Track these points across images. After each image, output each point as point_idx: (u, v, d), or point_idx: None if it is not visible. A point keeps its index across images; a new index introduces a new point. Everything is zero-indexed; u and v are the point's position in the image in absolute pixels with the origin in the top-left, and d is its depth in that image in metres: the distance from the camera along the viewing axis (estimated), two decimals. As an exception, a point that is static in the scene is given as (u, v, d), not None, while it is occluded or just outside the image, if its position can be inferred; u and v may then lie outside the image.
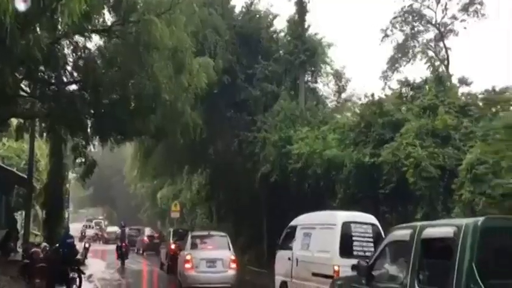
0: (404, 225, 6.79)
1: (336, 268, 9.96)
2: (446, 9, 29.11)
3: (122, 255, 24.59)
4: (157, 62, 13.72)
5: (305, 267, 11.23)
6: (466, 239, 5.06)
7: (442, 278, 5.24)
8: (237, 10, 25.67)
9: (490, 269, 5.08)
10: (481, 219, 5.22)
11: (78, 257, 14.86)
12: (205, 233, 18.08)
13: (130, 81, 14.46)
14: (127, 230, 39.99)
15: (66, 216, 34.93)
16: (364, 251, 10.09)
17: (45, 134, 19.27)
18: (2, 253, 19.26)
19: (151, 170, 29.33)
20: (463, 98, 16.77)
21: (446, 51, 29.48)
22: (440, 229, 5.78)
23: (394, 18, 30.55)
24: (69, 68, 14.55)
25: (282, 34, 26.18)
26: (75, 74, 14.75)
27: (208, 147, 26.17)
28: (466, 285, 4.92)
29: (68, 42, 14.24)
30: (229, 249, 14.95)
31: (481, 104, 15.70)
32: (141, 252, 34.10)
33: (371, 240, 10.36)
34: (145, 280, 21.90)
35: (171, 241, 21.17)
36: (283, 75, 24.42)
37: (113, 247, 36.18)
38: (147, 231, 36.46)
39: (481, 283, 4.83)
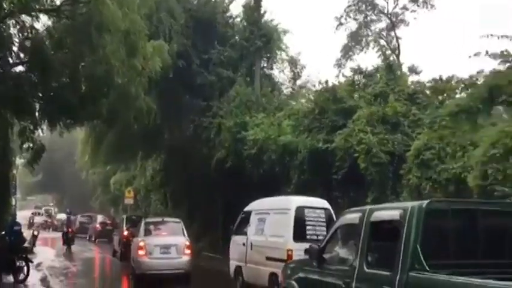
0: (354, 209, 6.97)
1: (290, 252, 10.14)
2: (397, -1, 29.81)
3: (67, 240, 25.82)
4: (109, 44, 13.37)
5: (259, 251, 11.38)
6: (412, 221, 5.26)
7: (389, 259, 5.43)
8: (193, -7, 25.29)
9: (434, 250, 5.30)
10: (425, 202, 5.44)
11: (26, 245, 14.42)
12: (159, 219, 17.88)
13: (81, 64, 14.05)
14: (78, 217, 39.43)
15: (13, 203, 33.70)
16: (317, 235, 10.30)
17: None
18: None
19: (103, 156, 28.64)
20: (412, 86, 17.34)
21: (397, 41, 30.25)
22: (387, 212, 5.97)
23: (348, 6, 31.01)
24: (15, 48, 13.94)
25: (238, 19, 26.05)
26: (21, 55, 14.14)
27: (163, 133, 25.86)
28: (411, 265, 5.12)
29: (14, 22, 13.62)
30: (184, 236, 14.89)
31: (428, 92, 16.29)
32: (93, 239, 33.47)
33: (324, 224, 10.59)
34: (97, 267, 21.54)
35: (124, 228, 20.89)
36: (239, 61, 24.35)
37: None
38: (100, 218, 35.72)
39: (424, 263, 5.04)
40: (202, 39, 24.01)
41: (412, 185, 12.04)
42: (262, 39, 23.74)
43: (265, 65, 26.04)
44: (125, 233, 20.27)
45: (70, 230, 26.93)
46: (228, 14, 26.00)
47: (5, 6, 11.68)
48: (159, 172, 32.06)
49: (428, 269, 5.00)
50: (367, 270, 5.80)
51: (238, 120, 21.17)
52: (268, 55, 25.57)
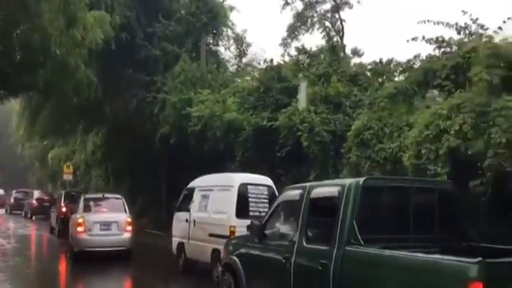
0: (295, 185, 7.13)
1: (232, 229, 10.25)
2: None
3: None
4: (46, 13, 12.70)
5: (202, 228, 11.42)
6: (349, 197, 5.47)
7: (327, 234, 5.64)
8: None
9: (369, 225, 5.56)
10: (362, 179, 5.67)
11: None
12: (99, 195, 17.56)
13: (16, 32, 13.27)
14: (13, 192, 37.87)
15: None
16: (260, 212, 10.43)
17: None
18: None
19: (40, 129, 27.46)
20: (354, 68, 17.75)
21: (341, 23, 30.65)
22: (327, 189, 6.16)
23: (295, -14, 30.95)
24: None
25: (184, -7, 25.45)
26: None
27: (105, 107, 25.10)
28: (347, 240, 5.35)
29: None
30: (125, 212, 14.69)
31: (369, 74, 16.75)
32: (29, 216, 32.27)
33: (266, 201, 10.74)
34: (34, 245, 20.87)
35: (63, 204, 20.35)
36: (184, 36, 23.89)
37: (-3, 212, 34.04)
38: (36, 194, 34.38)
39: (360, 238, 5.28)
40: (147, 12, 23.31)
41: (351, 163, 12.43)
42: (208, 14, 23.39)
43: (211, 41, 25.74)
44: (63, 209, 19.82)
45: None
46: (173, -13, 25.33)
47: None
48: (100, 147, 31.22)
49: (363, 243, 5.24)
50: (306, 245, 5.99)
51: (183, 96, 20.89)
52: (214, 31, 25.26)
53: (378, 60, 16.51)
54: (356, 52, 24.16)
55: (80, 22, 13.97)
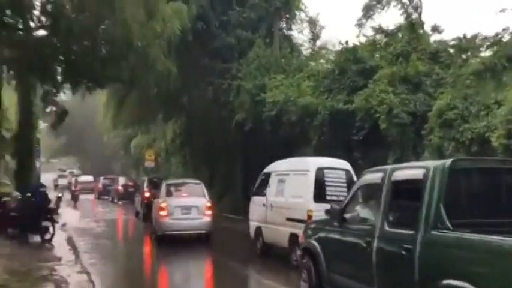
0: (375, 168, 6.93)
1: (310, 213, 10.21)
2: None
3: (74, 197, 31.32)
4: (128, 7, 13.26)
5: (279, 212, 11.49)
6: (435, 180, 5.22)
7: (411, 218, 5.44)
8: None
9: (457, 209, 5.28)
10: (449, 160, 5.38)
11: (51, 206, 14.79)
12: (179, 181, 18.12)
13: (101, 27, 14.01)
14: (101, 179, 40.42)
15: (38, 165, 34.54)
16: (337, 196, 10.27)
17: (13, 82, 18.65)
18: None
19: (124, 119, 28.99)
20: (434, 45, 16.89)
21: (420, -1, 29.22)
22: (410, 171, 5.93)
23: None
24: (36, 12, 13.93)
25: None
26: (43, 19, 14.14)
27: (183, 95, 25.92)
28: (434, 224, 5.11)
29: (35, -14, 13.61)
30: (205, 197, 15.07)
31: (451, 51, 15.87)
32: (115, 201, 34.22)
33: (344, 185, 10.58)
34: (121, 228, 22.11)
35: (146, 189, 21.22)
36: (258, 22, 23.99)
37: (86, 197, 36.47)
38: (122, 180, 36.40)
39: (447, 222, 5.03)
40: (221, 1, 23.65)
41: (433, 145, 11.92)
42: (281, -1, 23.28)
43: (284, 25, 25.62)
44: (147, 194, 20.59)
45: (76, 189, 32.89)
46: (246, -26, 25.43)
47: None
48: (179, 135, 32.33)
49: (451, 228, 5.00)
50: (388, 229, 5.82)
51: (257, 82, 21.04)
52: (288, 16, 25.12)
53: (461, 36, 15.59)
54: (436, 29, 22.89)
55: (159, 15, 14.44)
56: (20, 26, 13.97)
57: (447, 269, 4.88)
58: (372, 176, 6.61)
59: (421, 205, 5.29)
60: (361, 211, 6.93)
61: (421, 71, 14.63)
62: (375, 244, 5.89)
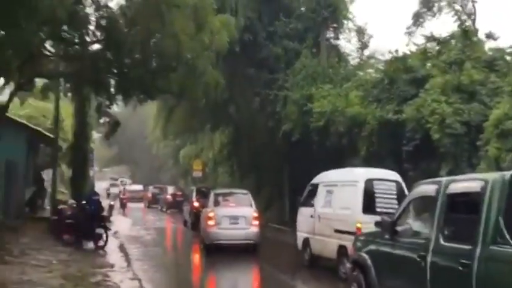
0: (429, 180, 6.72)
1: (359, 225, 10.02)
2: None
3: (122, 205, 32.90)
4: (178, 20, 13.57)
5: (327, 224, 11.35)
6: (493, 192, 5.00)
7: (468, 232, 5.23)
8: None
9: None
10: (509, 173, 5.14)
11: (104, 213, 15.26)
12: (227, 190, 18.22)
13: (152, 40, 14.40)
14: (151, 188, 41.44)
15: (91, 174, 35.85)
16: (387, 208, 10.05)
17: (69, 94, 19.49)
18: (31, 210, 19.91)
19: (173, 129, 29.63)
20: (490, 52, 16.28)
21: (473, 5, 28.36)
22: (466, 183, 5.71)
23: (420, -30, 29.37)
24: (91, 27, 14.51)
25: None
26: (97, 34, 14.72)
27: (230, 106, 26.22)
28: (493, 239, 4.89)
29: (90, 1, 14.16)
30: (252, 207, 15.10)
31: (508, 58, 15.23)
32: (164, 210, 34.87)
33: (394, 197, 10.34)
34: (170, 236, 22.48)
35: (194, 199, 21.48)
36: (304, 33, 24.00)
37: (137, 205, 37.43)
38: (171, 189, 37.14)
39: (508, 237, 4.80)
40: (268, 12, 23.86)
41: (490, 157, 11.42)
42: (328, 9, 23.22)
43: (331, 35, 25.50)
44: (195, 203, 20.79)
45: (124, 197, 34.90)
46: (293, -15, 25.55)
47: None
48: (226, 145, 32.67)
49: (511, 243, 4.76)
50: (443, 243, 5.62)
51: (304, 92, 20.98)
52: (335, 25, 24.97)
53: (518, 43, 14.95)
54: (490, 36, 22.08)
55: (207, 27, 14.68)
56: (76, 40, 14.58)
57: (507, 286, 4.65)
58: (426, 188, 6.42)
59: (479, 219, 5.07)
60: (414, 224, 6.74)
61: (475, 80, 14.12)
62: (429, 258, 5.70)
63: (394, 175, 11.00)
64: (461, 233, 5.55)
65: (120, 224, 22.69)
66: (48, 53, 15.31)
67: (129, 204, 34.68)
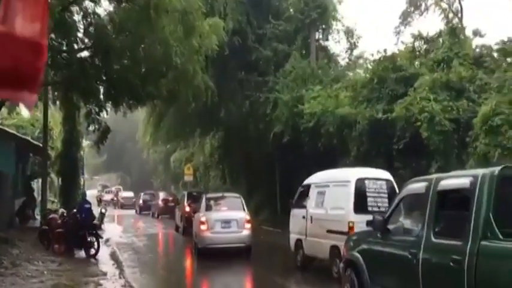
0: (419, 178, 6.75)
1: (351, 224, 10.02)
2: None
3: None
4: (167, 25, 13.50)
5: (320, 224, 11.34)
6: (483, 188, 5.03)
7: (459, 228, 5.25)
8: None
9: (507, 218, 5.08)
10: (497, 168, 5.17)
11: (95, 222, 15.10)
12: (219, 194, 18.14)
13: (141, 46, 14.32)
14: (141, 195, 41.09)
15: (82, 182, 35.48)
16: (379, 207, 10.09)
17: (58, 102, 19.32)
18: (21, 220, 19.67)
19: (163, 134, 29.48)
20: (477, 49, 16.43)
21: (460, 3, 28.65)
22: (456, 180, 5.73)
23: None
24: (79, 34, 14.39)
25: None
26: (86, 41, 14.60)
27: (220, 110, 26.16)
28: (483, 234, 4.92)
29: (77, 9, 14.05)
30: (244, 210, 15.06)
31: (496, 55, 15.38)
32: (156, 216, 34.57)
33: (385, 196, 10.36)
34: (162, 242, 22.34)
35: (186, 204, 21.34)
36: (294, 34, 24.07)
37: (128, 212, 37.12)
38: (162, 195, 36.82)
39: (498, 232, 4.83)
40: (257, 15, 23.89)
41: (479, 153, 11.51)
42: (317, 10, 23.30)
43: (320, 36, 25.61)
44: (187, 208, 20.61)
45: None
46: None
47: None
48: (217, 149, 32.62)
49: (501, 238, 4.79)
50: (434, 240, 5.64)
51: (294, 94, 21.01)
52: (324, 26, 25.07)
53: (505, 39, 15.09)
54: (477, 33, 22.33)
55: (197, 31, 14.61)
56: (64, 48, 14.45)
57: (498, 280, 4.68)
58: (416, 186, 6.44)
59: (470, 215, 5.10)
60: (405, 222, 6.76)
61: (463, 77, 14.24)
62: (420, 255, 5.72)
63: (384, 174, 11.02)
64: (452, 229, 5.58)
65: (112, 231, 22.50)
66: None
67: (121, 211, 34.34)
